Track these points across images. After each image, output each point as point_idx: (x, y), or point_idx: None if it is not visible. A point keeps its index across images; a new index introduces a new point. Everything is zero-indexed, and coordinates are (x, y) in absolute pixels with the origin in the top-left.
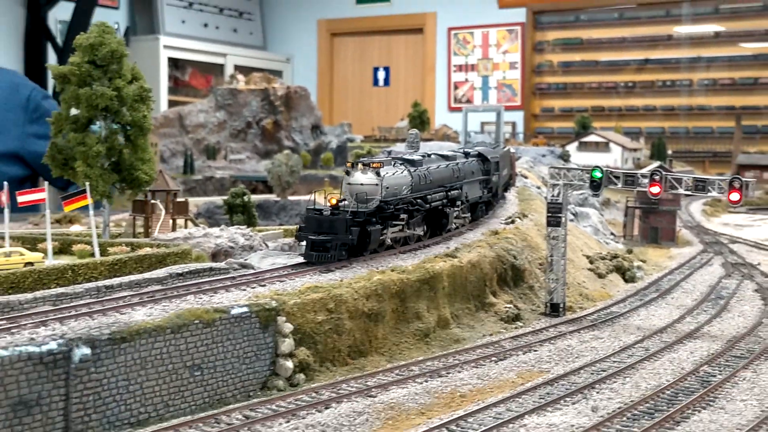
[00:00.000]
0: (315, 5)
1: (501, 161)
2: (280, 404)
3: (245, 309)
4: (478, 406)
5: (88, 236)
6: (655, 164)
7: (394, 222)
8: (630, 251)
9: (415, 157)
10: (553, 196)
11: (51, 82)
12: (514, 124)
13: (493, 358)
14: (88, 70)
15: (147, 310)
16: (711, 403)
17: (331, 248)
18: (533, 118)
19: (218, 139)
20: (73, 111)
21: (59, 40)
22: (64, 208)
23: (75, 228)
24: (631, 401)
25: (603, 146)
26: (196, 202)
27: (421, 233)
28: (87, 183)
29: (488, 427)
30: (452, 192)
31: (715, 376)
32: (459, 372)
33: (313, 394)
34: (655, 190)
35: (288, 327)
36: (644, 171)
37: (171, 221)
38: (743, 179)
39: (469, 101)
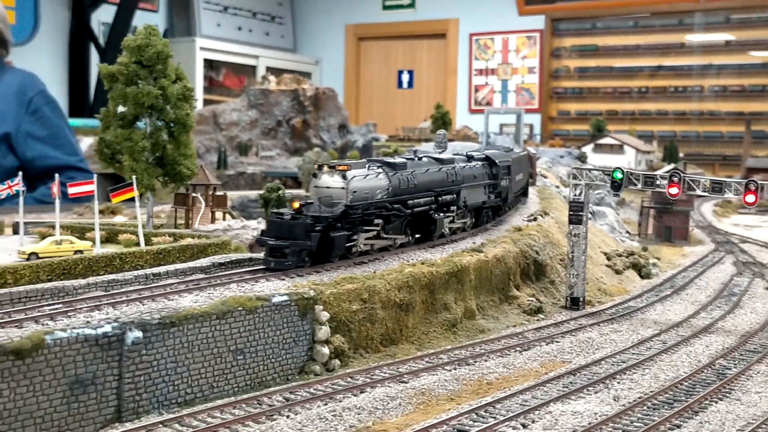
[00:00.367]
0: (343, 11)
1: (514, 165)
2: (318, 388)
3: (285, 297)
4: (504, 394)
5: (131, 226)
6: (670, 167)
7: (366, 227)
8: (645, 249)
9: (399, 160)
10: (575, 195)
11: (93, 80)
12: (531, 126)
13: (518, 348)
14: (135, 69)
15: (193, 297)
16: (727, 395)
17: (289, 254)
18: (550, 120)
19: (250, 137)
20: (120, 108)
21: (101, 41)
22: (112, 199)
23: (118, 219)
24: (651, 391)
25: (617, 148)
26: (230, 196)
27: (405, 239)
28: (134, 176)
29: (515, 414)
30: (444, 197)
31: (730, 369)
32: (485, 361)
33: (349, 379)
34: (674, 191)
35: (325, 315)
36: (660, 172)
37: (210, 213)
38: (759, 182)
39: (488, 104)
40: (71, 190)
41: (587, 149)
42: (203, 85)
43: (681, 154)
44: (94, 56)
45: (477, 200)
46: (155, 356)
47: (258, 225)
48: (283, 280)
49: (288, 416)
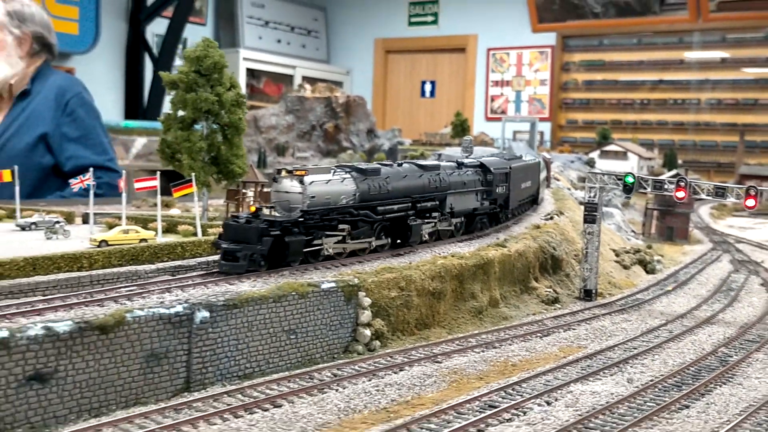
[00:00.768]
0: (373, 26)
1: (517, 173)
2: (362, 365)
3: (333, 284)
4: (528, 374)
5: (188, 218)
6: (673, 173)
7: (330, 233)
8: (650, 247)
9: (373, 166)
10: (589, 197)
11: (146, 86)
12: (542, 134)
13: (538, 334)
14: (194, 78)
15: (251, 282)
16: (730, 380)
17: (241, 258)
18: (559, 128)
19: (287, 139)
20: (180, 112)
21: (155, 51)
22: (173, 194)
23: (173, 211)
24: (661, 375)
25: (621, 155)
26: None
27: (383, 243)
28: (192, 174)
29: (540, 392)
30: (424, 203)
31: (731, 356)
32: (510, 345)
33: (389, 358)
34: (681, 194)
35: (367, 301)
36: (666, 177)
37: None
38: (759, 188)
39: (503, 112)
40: (137, 185)
41: (594, 155)
42: (245, 92)
43: (680, 161)
44: (147, 65)
45: (466, 207)
46: (219, 334)
47: None
48: (329, 269)
49: (337, 390)
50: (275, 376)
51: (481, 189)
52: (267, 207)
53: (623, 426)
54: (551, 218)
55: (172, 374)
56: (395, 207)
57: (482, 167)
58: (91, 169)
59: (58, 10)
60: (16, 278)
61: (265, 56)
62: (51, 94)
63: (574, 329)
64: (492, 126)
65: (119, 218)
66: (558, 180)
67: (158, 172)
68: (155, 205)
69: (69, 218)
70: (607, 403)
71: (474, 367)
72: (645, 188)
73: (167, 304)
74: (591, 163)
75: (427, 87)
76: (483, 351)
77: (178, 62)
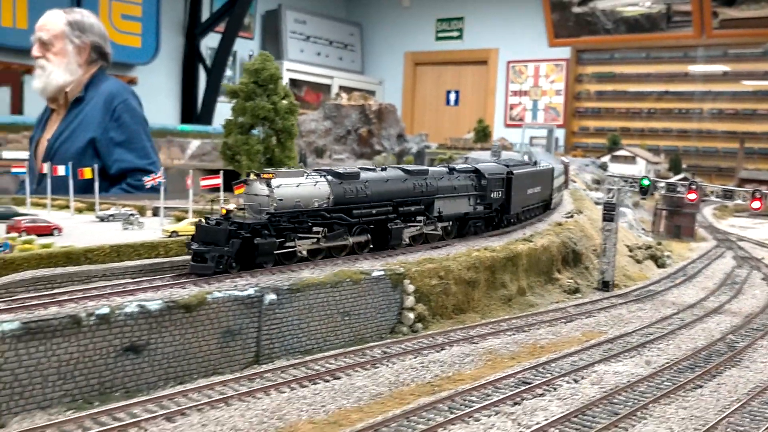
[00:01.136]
0: (403, 41)
1: (520, 179)
2: (407, 344)
3: (382, 272)
4: (556, 355)
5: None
6: (680, 176)
7: (302, 235)
8: (659, 243)
9: (352, 170)
10: (608, 197)
11: (200, 94)
12: (557, 139)
13: (563, 320)
14: (253, 88)
15: (310, 270)
16: (738, 363)
17: (209, 259)
18: (572, 134)
19: (325, 142)
20: (240, 119)
21: (208, 62)
22: (235, 191)
23: (230, 206)
24: (676, 358)
25: (630, 159)
26: None
27: (357, 242)
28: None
29: (568, 371)
30: (407, 207)
31: (738, 342)
32: (537, 329)
33: (430, 339)
34: (693, 196)
35: (411, 288)
36: (676, 180)
37: None
38: (764, 191)
39: (521, 119)
40: (203, 183)
41: (605, 159)
42: None
43: (684, 166)
44: (201, 75)
45: (456, 211)
46: (285, 314)
47: None
48: (377, 259)
49: (387, 365)
50: (332, 352)
51: (475, 194)
52: (239, 209)
53: (644, 402)
54: (571, 216)
55: (245, 348)
56: (374, 211)
57: (476, 172)
58: (163, 168)
59: (123, 25)
60: (105, 263)
61: (306, 67)
62: (101, 101)
63: (594, 316)
64: (511, 132)
65: (186, 212)
66: (575, 182)
67: (221, 171)
68: (211, 200)
69: (141, 211)
70: (628, 381)
71: (506, 348)
72: (660, 190)
73: (240, 287)
74: (604, 167)
75: (452, 96)
76: (514, 334)
77: (228, 72)
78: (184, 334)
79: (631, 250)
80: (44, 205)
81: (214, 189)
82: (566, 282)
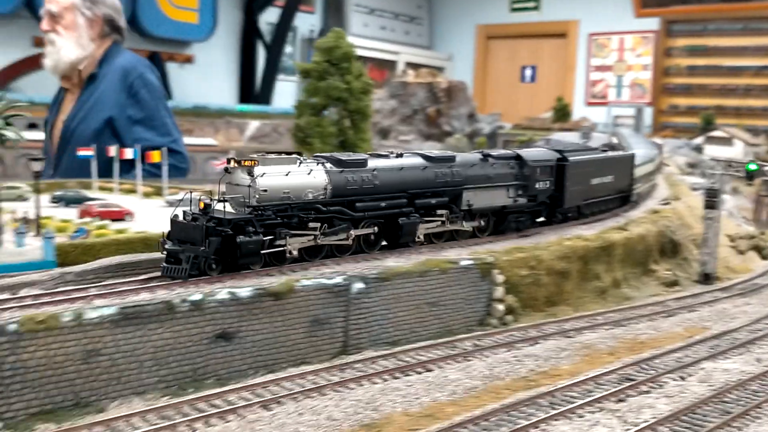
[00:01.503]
0: (474, 12)
1: (578, 167)
2: (498, 337)
3: (471, 262)
4: (658, 352)
5: None
6: None
7: (295, 232)
8: (763, 233)
9: (359, 157)
10: (711, 183)
11: (259, 72)
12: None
13: (663, 315)
14: (326, 67)
15: (396, 258)
16: None
17: (183, 260)
18: (660, 113)
19: (390, 123)
20: (312, 99)
21: (267, 39)
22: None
23: None
24: None
25: (727, 141)
26: None
27: (362, 233)
28: None
29: (673, 368)
30: (425, 199)
31: None
32: (636, 323)
33: (522, 332)
34: None
35: (500, 278)
36: None
37: None
38: None
39: (603, 97)
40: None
41: (700, 141)
42: None
43: None
44: (260, 52)
45: (492, 203)
46: (372, 304)
47: None
48: (463, 247)
49: (479, 358)
50: (420, 344)
51: (515, 184)
52: (220, 201)
53: (758, 401)
54: (668, 203)
55: (332, 338)
56: (383, 203)
57: (518, 159)
58: (232, 152)
59: (180, 0)
60: None
61: (370, 43)
62: (116, 77)
63: (696, 311)
64: (592, 111)
65: None
66: (668, 165)
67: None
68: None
69: (210, 196)
70: (739, 380)
71: (604, 343)
72: (764, 176)
73: (328, 275)
74: (699, 150)
75: (528, 72)
76: (611, 328)
77: (288, 49)
78: (273, 322)
79: (732, 240)
80: (111, 189)
81: None
82: (664, 274)
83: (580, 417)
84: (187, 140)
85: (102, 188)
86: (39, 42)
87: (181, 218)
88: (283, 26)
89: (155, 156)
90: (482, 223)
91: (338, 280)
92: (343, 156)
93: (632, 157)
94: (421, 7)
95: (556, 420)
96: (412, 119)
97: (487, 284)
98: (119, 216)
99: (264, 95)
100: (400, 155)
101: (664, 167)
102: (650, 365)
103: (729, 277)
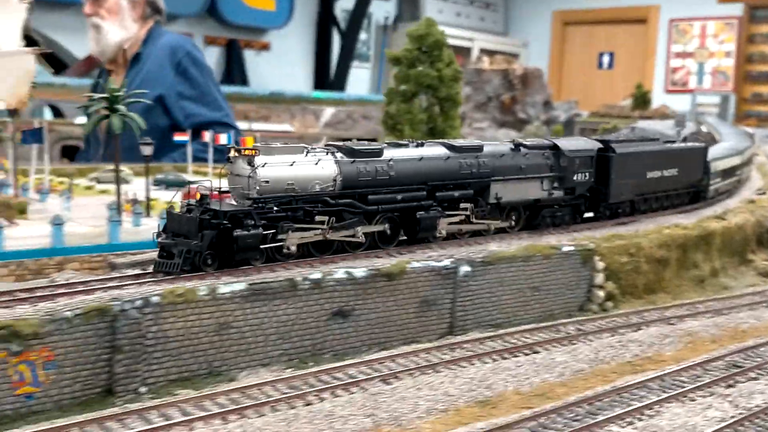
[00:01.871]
0: None
1: (628, 159)
2: (601, 323)
3: (572, 248)
4: (762, 340)
5: None
6: None
7: (300, 225)
8: None
9: (375, 147)
10: None
11: (334, 59)
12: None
13: (763, 305)
14: (417, 55)
15: (498, 243)
16: None
17: (176, 255)
18: (743, 101)
19: (464, 110)
20: (402, 87)
21: (342, 26)
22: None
23: None
24: None
25: None
26: None
27: (375, 231)
28: None
29: None
30: (447, 192)
31: None
32: (738, 312)
33: (624, 318)
34: None
35: (600, 265)
36: None
37: None
38: None
39: (684, 84)
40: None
41: None
42: None
43: None
44: (335, 39)
45: (523, 197)
46: (477, 286)
47: None
48: (563, 234)
49: (584, 342)
50: (523, 327)
51: (550, 176)
52: (222, 192)
53: None
54: (764, 193)
55: (440, 319)
56: (399, 196)
57: (554, 149)
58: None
59: None
60: None
61: (444, 29)
62: (163, 55)
63: None
64: (672, 98)
65: None
66: (757, 155)
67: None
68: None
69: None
70: None
71: (706, 331)
72: None
73: (436, 258)
74: None
75: (605, 59)
76: (712, 317)
77: (362, 36)
78: (385, 301)
79: None
80: (205, 173)
81: None
82: (762, 264)
83: (692, 401)
84: (264, 126)
85: (196, 172)
86: None
87: (175, 212)
88: (359, 13)
89: (248, 141)
90: (513, 219)
91: (446, 262)
92: (357, 145)
93: (704, 149)
94: None
95: (668, 403)
96: (487, 106)
97: (587, 270)
98: (218, 198)
99: (338, 82)
100: (420, 144)
101: (755, 158)
102: (756, 353)
103: None
